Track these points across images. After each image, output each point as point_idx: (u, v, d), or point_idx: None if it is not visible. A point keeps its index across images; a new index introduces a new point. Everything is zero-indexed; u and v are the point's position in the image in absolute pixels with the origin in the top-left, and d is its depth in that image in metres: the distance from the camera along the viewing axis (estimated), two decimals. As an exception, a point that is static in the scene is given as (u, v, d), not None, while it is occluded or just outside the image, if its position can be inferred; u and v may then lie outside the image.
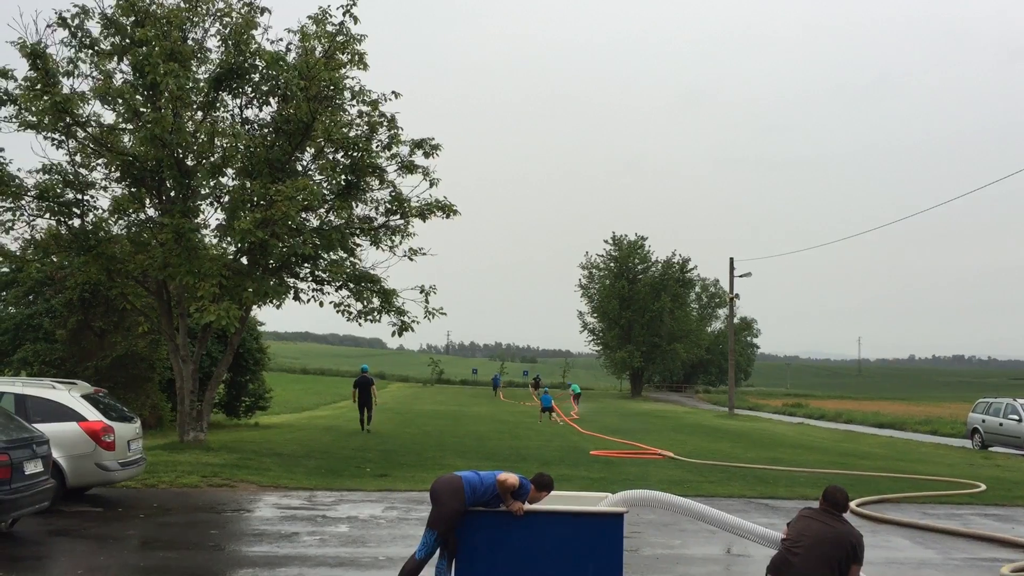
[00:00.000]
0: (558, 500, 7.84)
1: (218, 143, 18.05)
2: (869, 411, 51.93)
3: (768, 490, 15.57)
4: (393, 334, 20.01)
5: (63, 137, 17.61)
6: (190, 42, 18.09)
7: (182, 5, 17.98)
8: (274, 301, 19.01)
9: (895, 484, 17.01)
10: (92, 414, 11.87)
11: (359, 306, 20.02)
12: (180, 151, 17.61)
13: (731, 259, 50.94)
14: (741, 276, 50.95)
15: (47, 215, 17.95)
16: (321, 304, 20.25)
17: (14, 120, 17.00)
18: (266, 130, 18.94)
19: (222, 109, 18.85)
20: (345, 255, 19.76)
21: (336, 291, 20.11)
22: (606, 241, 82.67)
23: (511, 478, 7.28)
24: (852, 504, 12.79)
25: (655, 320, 76.71)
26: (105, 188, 18.63)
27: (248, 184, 17.92)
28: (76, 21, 17.29)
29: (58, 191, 17.58)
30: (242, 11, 18.18)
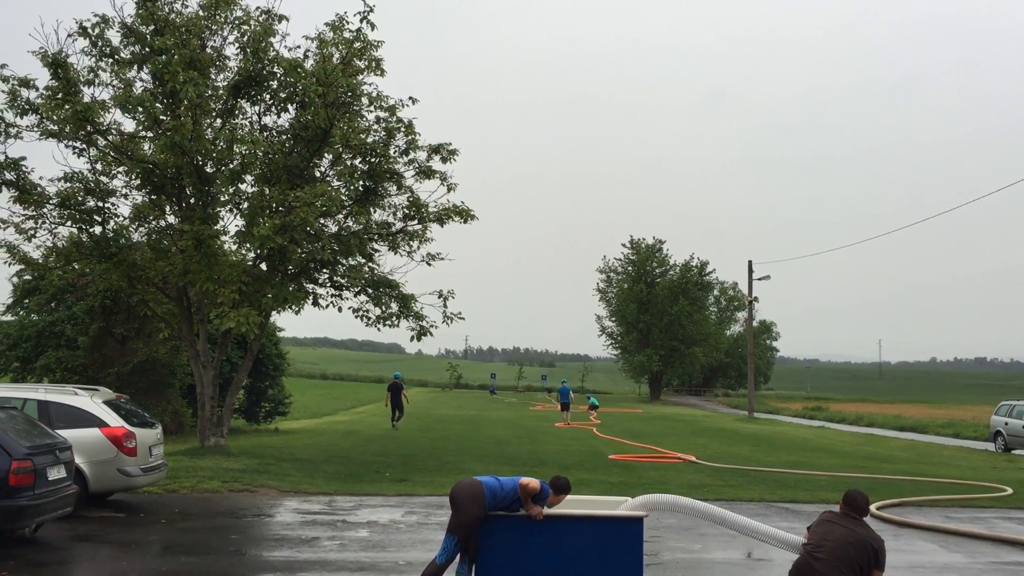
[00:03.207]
0: (577, 504, 7.82)
1: (237, 150, 18.18)
2: (890, 414, 51.49)
3: (789, 494, 15.47)
4: (412, 339, 20.09)
5: (84, 145, 17.79)
6: (209, 50, 18.23)
7: (201, 14, 18.12)
8: (293, 307, 19.13)
9: (917, 487, 16.86)
10: (114, 420, 11.95)
11: (377, 311, 20.14)
12: (200, 158, 17.74)
13: (749, 262, 50.66)
14: (760, 279, 50.68)
15: (69, 223, 18.13)
16: (340, 309, 20.36)
17: (36, 129, 17.18)
18: (284, 136, 19.05)
19: (241, 116, 18.99)
20: (363, 260, 19.85)
21: (355, 296, 20.22)
22: (624, 245, 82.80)
23: (532, 483, 7.28)
24: (873, 507, 12.68)
25: (673, 324, 76.46)
26: (126, 196, 18.86)
27: (267, 190, 18.04)
28: (96, 31, 17.45)
29: (79, 199, 17.78)
30: (260, 19, 18.31)
